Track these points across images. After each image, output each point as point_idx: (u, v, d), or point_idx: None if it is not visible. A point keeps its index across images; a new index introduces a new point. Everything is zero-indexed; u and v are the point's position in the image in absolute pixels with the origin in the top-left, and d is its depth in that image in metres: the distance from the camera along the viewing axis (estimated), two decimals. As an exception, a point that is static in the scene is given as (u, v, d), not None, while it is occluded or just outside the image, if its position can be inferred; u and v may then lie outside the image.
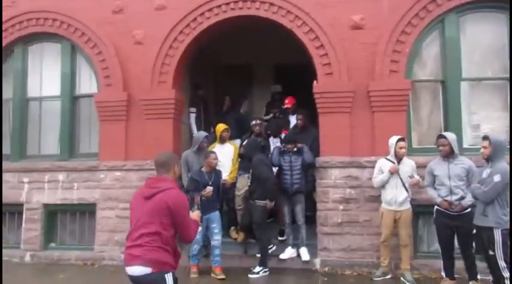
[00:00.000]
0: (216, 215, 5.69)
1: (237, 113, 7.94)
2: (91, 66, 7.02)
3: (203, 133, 6.37)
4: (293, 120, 7.01)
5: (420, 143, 6.17)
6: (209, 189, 5.38)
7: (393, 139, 5.32)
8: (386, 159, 5.40)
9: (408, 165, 5.33)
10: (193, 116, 7.62)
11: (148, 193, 2.95)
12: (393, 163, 5.29)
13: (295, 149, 6.00)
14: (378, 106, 6.02)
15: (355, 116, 6.07)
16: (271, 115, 7.75)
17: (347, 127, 6.02)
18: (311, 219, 6.24)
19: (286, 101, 7.21)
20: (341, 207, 5.91)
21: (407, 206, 5.30)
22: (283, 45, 7.37)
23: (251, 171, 5.74)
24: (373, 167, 5.67)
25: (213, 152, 5.82)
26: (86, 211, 6.77)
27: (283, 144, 6.18)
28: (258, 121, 6.79)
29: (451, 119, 6.05)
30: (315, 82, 6.20)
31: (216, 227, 5.64)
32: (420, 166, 5.49)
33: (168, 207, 2.88)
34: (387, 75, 6.05)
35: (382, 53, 6.07)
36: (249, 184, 5.80)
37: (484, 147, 4.22)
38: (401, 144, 5.25)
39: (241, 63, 8.83)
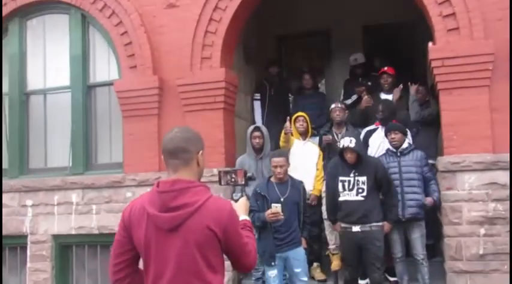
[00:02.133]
0: (299, 253, 5.17)
1: (318, 93, 7.86)
2: (109, 42, 7.03)
3: (255, 126, 6.37)
4: (388, 98, 6.84)
5: None
6: (275, 208, 4.92)
7: None
8: None
9: None
10: (258, 105, 7.60)
11: (171, 221, 2.32)
12: None
13: (406, 144, 5.72)
14: None
15: (497, 92, 5.66)
16: (354, 97, 7.46)
17: (485, 109, 5.66)
18: (433, 250, 6.09)
19: (386, 68, 7.01)
20: (482, 231, 5.56)
21: None
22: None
23: (365, 177, 5.27)
24: None
25: (281, 153, 5.40)
26: (109, 243, 6.46)
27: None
28: (339, 105, 6.59)
29: None
30: (430, 44, 5.95)
31: (301, 273, 5.13)
32: None
33: (214, 235, 2.33)
34: None
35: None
36: (360, 197, 5.26)
37: None
38: None
39: (314, 28, 8.85)
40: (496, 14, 5.70)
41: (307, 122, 6.43)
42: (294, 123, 6.42)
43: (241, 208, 2.77)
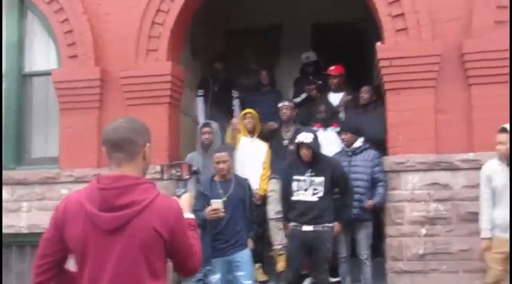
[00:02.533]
0: (244, 256, 5.04)
1: (275, 91, 7.81)
2: (48, 29, 6.88)
3: (205, 122, 6.35)
4: (335, 99, 6.94)
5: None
6: (215, 204, 4.75)
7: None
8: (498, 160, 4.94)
9: None
10: (200, 101, 7.58)
11: (113, 221, 2.16)
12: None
13: (358, 144, 5.79)
14: (478, 77, 5.73)
15: (442, 94, 5.82)
16: (303, 96, 7.54)
17: (430, 110, 5.80)
18: (376, 250, 6.13)
19: (332, 67, 7.06)
20: (423, 231, 5.70)
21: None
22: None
23: (322, 178, 5.30)
24: (470, 169, 5.50)
25: (224, 148, 5.35)
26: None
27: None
28: (286, 103, 6.65)
29: None
30: (378, 43, 6.05)
31: (244, 276, 4.99)
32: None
33: (160, 236, 2.21)
34: (492, 27, 5.74)
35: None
36: (316, 198, 5.29)
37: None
38: (501, 137, 4.84)
39: (264, 25, 8.93)
40: (444, 15, 5.84)
41: (255, 119, 6.43)
42: (242, 120, 6.42)
43: (185, 205, 2.63)
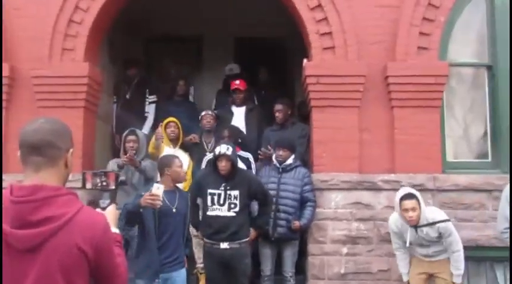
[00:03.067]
0: (182, 275, 4.74)
1: (189, 102, 7.80)
2: None
3: (130, 129, 6.10)
4: (238, 113, 6.93)
5: (457, 156, 6.16)
6: (156, 189, 4.28)
7: (397, 196, 4.94)
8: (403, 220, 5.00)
9: (432, 230, 4.85)
10: (115, 106, 7.37)
11: (29, 239, 1.90)
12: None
13: (290, 161, 5.68)
14: (401, 100, 5.87)
15: (366, 113, 5.92)
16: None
17: (355, 129, 5.87)
18: (297, 267, 5.94)
19: (237, 82, 7.02)
20: (345, 250, 5.72)
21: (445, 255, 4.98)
22: (251, 8, 7.49)
23: (237, 191, 5.08)
24: (392, 189, 5.55)
25: (176, 156, 5.04)
26: None
27: (263, 151, 5.93)
28: (209, 112, 6.68)
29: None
30: (305, 60, 6.10)
31: None
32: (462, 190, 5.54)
33: (84, 255, 1.97)
34: (415, 53, 5.88)
35: (407, 21, 5.90)
36: (232, 213, 5.05)
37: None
38: (407, 204, 4.82)
39: (186, 34, 8.83)
40: (369, 38, 5.96)
41: (179, 128, 6.25)
42: (165, 129, 6.20)
43: (110, 219, 2.40)
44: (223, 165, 5.01)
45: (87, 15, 6.17)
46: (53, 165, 2.03)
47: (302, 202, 5.55)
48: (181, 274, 4.71)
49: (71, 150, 2.11)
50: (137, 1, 6.87)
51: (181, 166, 4.82)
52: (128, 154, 5.52)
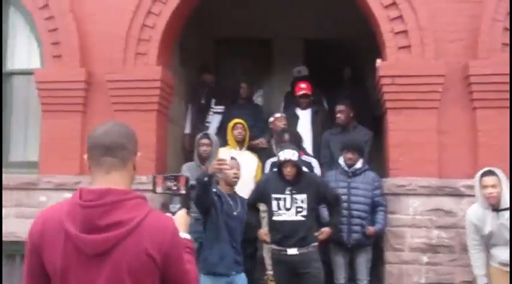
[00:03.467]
0: (243, 280, 4.73)
1: (253, 104, 7.78)
2: (31, 27, 6.65)
3: (203, 133, 6.13)
4: (304, 116, 6.85)
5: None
6: (223, 155, 4.45)
7: (477, 174, 4.82)
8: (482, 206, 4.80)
9: None
10: (189, 111, 7.46)
11: (99, 244, 1.90)
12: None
13: (359, 165, 5.53)
14: (484, 100, 5.61)
15: (446, 115, 5.71)
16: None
17: (433, 132, 5.68)
18: (371, 275, 5.84)
19: (303, 86, 6.90)
20: (425, 259, 5.54)
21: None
22: (321, 9, 7.53)
23: (305, 195, 4.93)
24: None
25: (233, 158, 4.98)
26: (15, 252, 6.22)
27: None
28: (279, 115, 6.57)
29: None
30: (378, 60, 5.95)
31: None
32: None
33: (153, 261, 1.94)
34: (498, 50, 5.61)
35: (490, 17, 5.64)
36: (300, 217, 4.93)
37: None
38: (487, 180, 4.67)
39: (255, 36, 8.83)
40: (448, 35, 5.77)
41: (245, 130, 6.21)
42: (232, 131, 6.18)
43: (181, 224, 2.38)
44: (288, 171, 4.90)
45: (159, 19, 6.28)
46: (124, 166, 2.05)
47: (373, 207, 5.42)
48: (241, 278, 4.69)
49: (138, 154, 2.15)
50: (207, 5, 6.95)
51: (232, 168, 4.69)
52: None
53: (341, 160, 5.56)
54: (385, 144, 6.00)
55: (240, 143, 6.20)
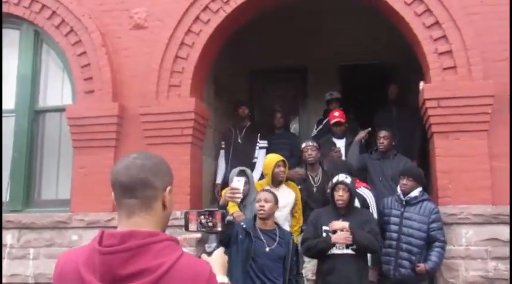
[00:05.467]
0: None
1: (289, 133, 7.73)
2: (64, 62, 6.73)
3: (240, 169, 5.71)
4: (340, 145, 6.72)
5: None
6: (237, 182, 4.26)
7: None
8: None
9: None
10: (222, 154, 7.25)
11: None
12: None
13: (416, 193, 5.22)
14: None
15: (497, 137, 5.48)
16: (315, 132, 7.49)
17: (484, 156, 5.46)
18: None
19: (337, 114, 6.79)
20: None
21: None
22: (357, 35, 7.64)
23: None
24: None
25: (268, 190, 4.85)
26: None
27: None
28: (310, 144, 6.23)
29: None
30: (422, 83, 5.79)
31: None
32: None
33: None
34: None
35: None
36: (350, 250, 4.71)
37: None
38: None
39: (290, 65, 8.81)
40: (496, 54, 5.58)
41: (286, 166, 5.80)
42: (273, 169, 5.71)
43: (217, 266, 2.07)
44: (340, 195, 4.72)
45: (192, 50, 6.28)
46: (148, 207, 1.79)
47: (429, 242, 5.05)
48: None
49: (169, 188, 1.86)
50: (240, 35, 6.96)
51: (259, 200, 4.59)
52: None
53: (398, 188, 5.33)
54: (432, 171, 5.78)
55: (280, 183, 5.81)
